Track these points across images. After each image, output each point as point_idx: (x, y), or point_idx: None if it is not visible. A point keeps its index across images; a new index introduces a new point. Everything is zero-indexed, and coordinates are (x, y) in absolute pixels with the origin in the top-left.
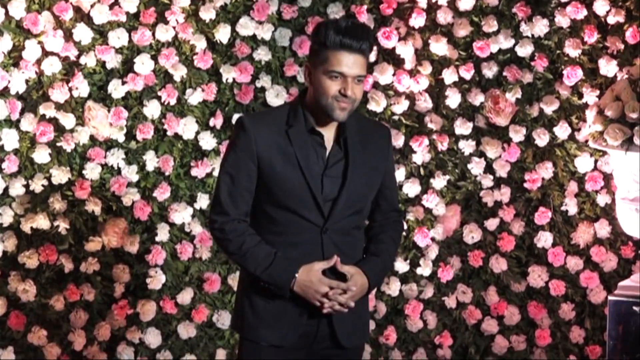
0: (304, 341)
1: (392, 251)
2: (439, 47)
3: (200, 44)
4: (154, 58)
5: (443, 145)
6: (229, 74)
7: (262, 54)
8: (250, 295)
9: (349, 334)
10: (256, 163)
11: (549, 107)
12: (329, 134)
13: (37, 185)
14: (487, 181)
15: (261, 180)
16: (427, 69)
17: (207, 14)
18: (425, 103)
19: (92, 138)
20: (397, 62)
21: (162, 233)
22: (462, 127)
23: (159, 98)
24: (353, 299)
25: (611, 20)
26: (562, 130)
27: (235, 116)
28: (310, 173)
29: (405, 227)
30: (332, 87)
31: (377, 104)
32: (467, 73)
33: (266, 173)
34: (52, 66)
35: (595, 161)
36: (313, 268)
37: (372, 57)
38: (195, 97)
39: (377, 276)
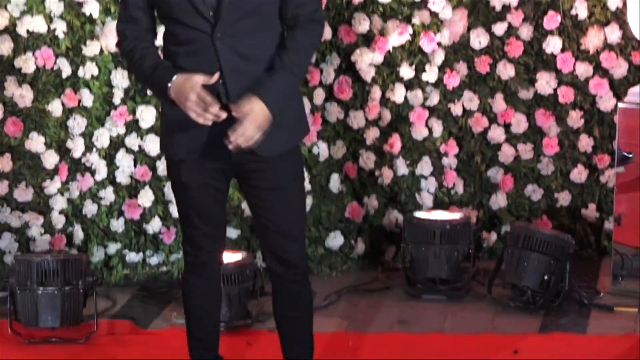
0: (219, 153)
1: (298, 59)
2: None
3: None
4: None
5: None
6: None
7: None
8: (162, 106)
9: (264, 144)
10: None
11: None
12: None
13: None
14: None
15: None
16: None
17: None
18: None
19: None
20: None
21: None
22: None
23: None
24: (252, 131)
25: None
26: None
27: None
28: None
29: (410, 31)
30: None
31: None
32: None
33: None
34: None
35: None
36: (191, 77)
37: None
38: None
39: (275, 91)
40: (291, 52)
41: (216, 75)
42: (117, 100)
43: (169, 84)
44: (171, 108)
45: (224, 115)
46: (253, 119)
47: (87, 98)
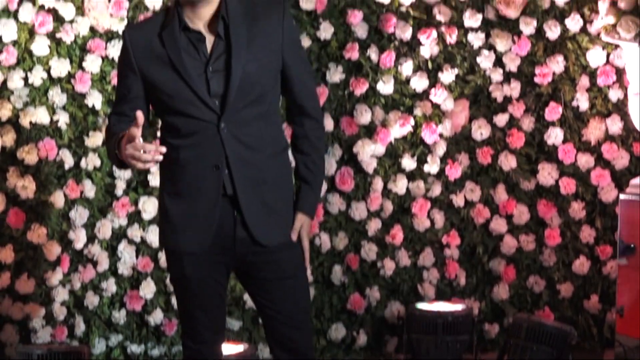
0: (224, 245)
1: (319, 163)
2: None
3: None
4: None
5: (452, 37)
6: None
7: None
8: (163, 200)
9: (267, 233)
10: (137, 73)
11: None
12: (207, 27)
13: (37, 78)
14: (497, 75)
15: (148, 90)
16: None
17: None
18: None
19: (92, 29)
20: None
21: None
22: (472, 19)
23: None
24: (308, 242)
25: None
26: (573, 22)
27: None
28: (187, 72)
29: (413, 122)
30: None
31: None
32: None
33: (148, 81)
34: None
35: (608, 54)
36: (126, 135)
37: None
38: None
39: (315, 204)
40: (313, 155)
41: (140, 118)
42: (119, 191)
43: (116, 152)
44: (173, 202)
45: (163, 149)
46: (308, 234)
47: (89, 189)
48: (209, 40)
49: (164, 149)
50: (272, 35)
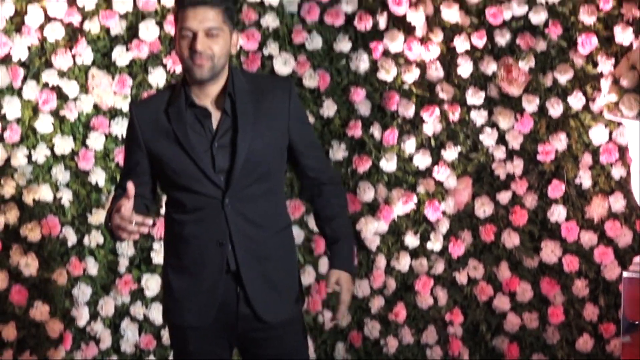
0: (227, 320)
1: (345, 222)
2: (451, 13)
3: None
4: (160, 24)
5: (454, 115)
6: None
7: (270, 20)
8: (167, 275)
9: (270, 310)
10: (144, 149)
11: (563, 77)
12: (214, 103)
13: (40, 155)
14: (500, 153)
15: (154, 166)
16: (438, 36)
17: None
18: (436, 72)
19: (95, 107)
20: (407, 29)
21: None
22: (474, 97)
23: (164, 66)
24: (349, 298)
25: None
26: (576, 100)
27: None
28: (193, 147)
29: (415, 200)
30: (184, 47)
31: (386, 73)
32: (480, 41)
33: (154, 157)
34: (55, 32)
35: (610, 132)
36: (117, 208)
37: (383, 23)
38: None
39: (350, 258)
40: (338, 218)
41: (131, 190)
42: (122, 268)
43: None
44: (176, 277)
45: (149, 222)
46: (348, 289)
47: (92, 266)
48: (215, 116)
49: (150, 222)
50: (279, 114)
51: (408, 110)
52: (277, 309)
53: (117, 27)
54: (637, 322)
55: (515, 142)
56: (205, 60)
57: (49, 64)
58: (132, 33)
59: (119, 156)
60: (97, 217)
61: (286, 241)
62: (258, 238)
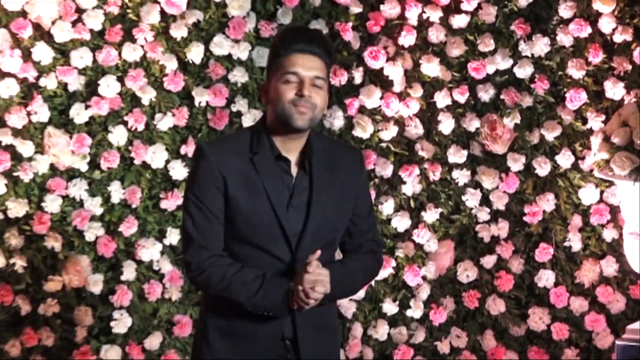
0: None
1: (357, 271)
2: (431, 67)
3: (171, 64)
4: (120, 80)
5: (435, 175)
6: (202, 97)
7: (238, 76)
8: (206, 338)
9: None
10: (223, 192)
11: (551, 134)
12: (293, 158)
13: None
14: (484, 214)
15: (227, 215)
16: (417, 91)
17: (178, 31)
18: (415, 129)
19: (52, 167)
20: (385, 84)
21: (128, 271)
22: (456, 155)
23: (125, 123)
24: (324, 285)
25: (618, 38)
26: (564, 159)
27: None
28: (279, 204)
29: (394, 264)
30: (288, 91)
31: (363, 130)
32: (462, 96)
33: (231, 205)
34: (9, 88)
35: (601, 192)
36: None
37: (358, 78)
38: (165, 123)
39: (339, 281)
40: (357, 266)
41: (317, 253)
42: (79, 339)
43: (290, 284)
44: (222, 341)
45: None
46: (326, 274)
47: (47, 337)
48: (293, 171)
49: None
50: (350, 185)
51: (386, 170)
52: None
53: (76, 83)
54: None
55: (500, 203)
56: (308, 109)
57: (2, 123)
58: (91, 89)
59: (76, 220)
60: (53, 284)
61: (336, 312)
62: (319, 307)
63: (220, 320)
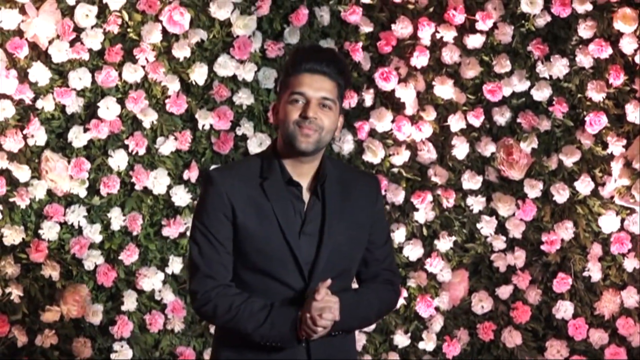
0: None
1: (371, 300)
2: (445, 89)
3: (173, 85)
4: (121, 102)
5: (449, 201)
6: (205, 119)
7: (244, 98)
8: None
9: None
10: (231, 220)
11: (569, 159)
12: (305, 183)
13: None
14: (499, 243)
15: (234, 241)
16: (430, 114)
17: (181, 51)
18: (428, 153)
19: (49, 193)
20: (396, 106)
21: (129, 301)
22: (471, 181)
23: (126, 147)
24: (334, 313)
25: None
26: (584, 185)
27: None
28: (290, 231)
29: (406, 294)
30: (293, 112)
31: (373, 155)
32: (477, 119)
33: (240, 232)
34: (4, 110)
35: (622, 220)
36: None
37: (369, 100)
38: (167, 147)
39: (350, 311)
40: (371, 296)
41: (328, 281)
42: None
43: (298, 312)
44: None
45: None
46: (335, 301)
47: None
48: (305, 197)
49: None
50: (365, 213)
51: (397, 196)
52: None
53: (74, 105)
54: None
55: (516, 231)
56: (313, 131)
57: None
58: (90, 112)
59: (75, 247)
60: (51, 315)
61: (354, 344)
62: (334, 339)
63: (233, 353)
